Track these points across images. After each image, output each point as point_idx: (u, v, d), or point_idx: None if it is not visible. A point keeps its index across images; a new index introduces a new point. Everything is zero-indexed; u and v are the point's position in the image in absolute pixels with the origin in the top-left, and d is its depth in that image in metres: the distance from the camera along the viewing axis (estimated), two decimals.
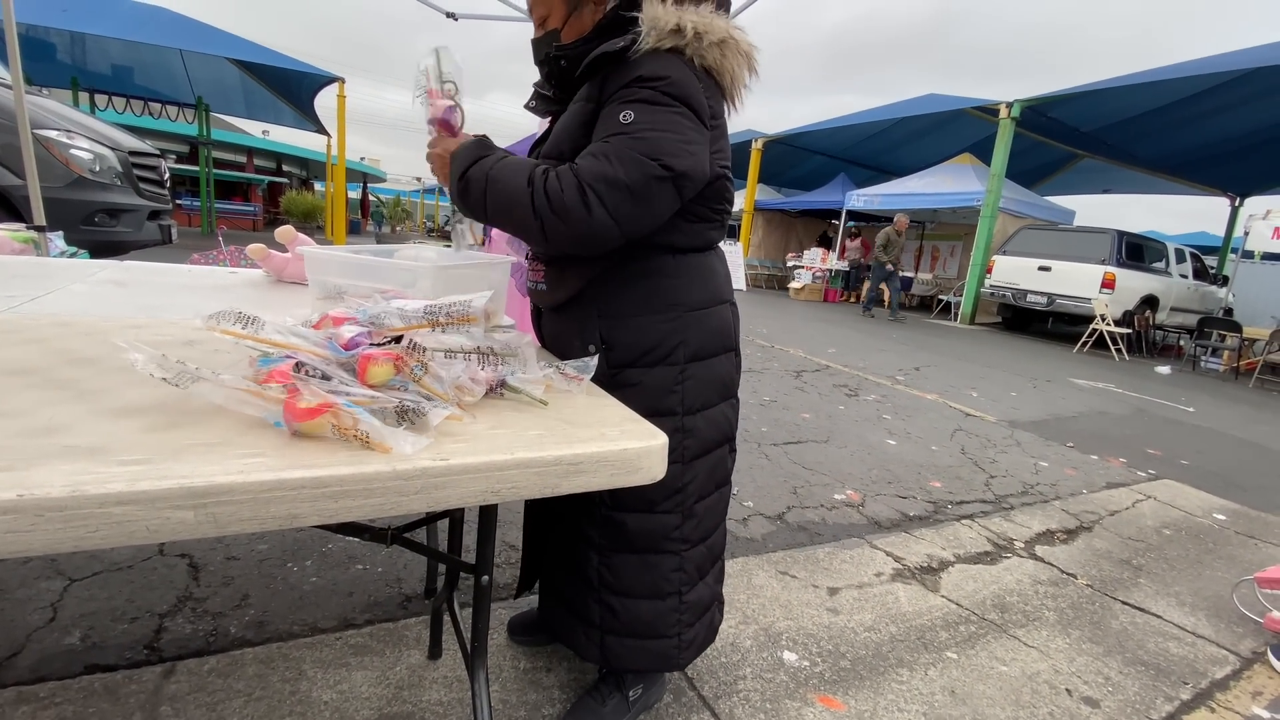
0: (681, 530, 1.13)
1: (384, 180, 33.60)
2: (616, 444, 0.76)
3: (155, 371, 0.71)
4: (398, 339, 0.84)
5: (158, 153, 4.92)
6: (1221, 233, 15.23)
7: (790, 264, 14.48)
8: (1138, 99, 9.78)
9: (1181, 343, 10.13)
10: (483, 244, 1.17)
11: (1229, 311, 9.89)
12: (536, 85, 1.18)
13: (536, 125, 1.87)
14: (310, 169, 27.80)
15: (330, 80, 10.29)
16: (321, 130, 14.52)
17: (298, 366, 0.77)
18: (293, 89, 12.09)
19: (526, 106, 1.23)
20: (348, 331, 0.84)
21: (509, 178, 0.92)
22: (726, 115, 1.07)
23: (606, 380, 1.05)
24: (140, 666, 1.31)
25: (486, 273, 1.27)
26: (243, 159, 22.20)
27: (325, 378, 0.77)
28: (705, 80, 0.99)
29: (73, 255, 3.00)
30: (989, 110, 10.37)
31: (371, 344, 0.83)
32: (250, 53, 9.59)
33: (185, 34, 9.29)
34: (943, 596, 2.00)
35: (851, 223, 14.10)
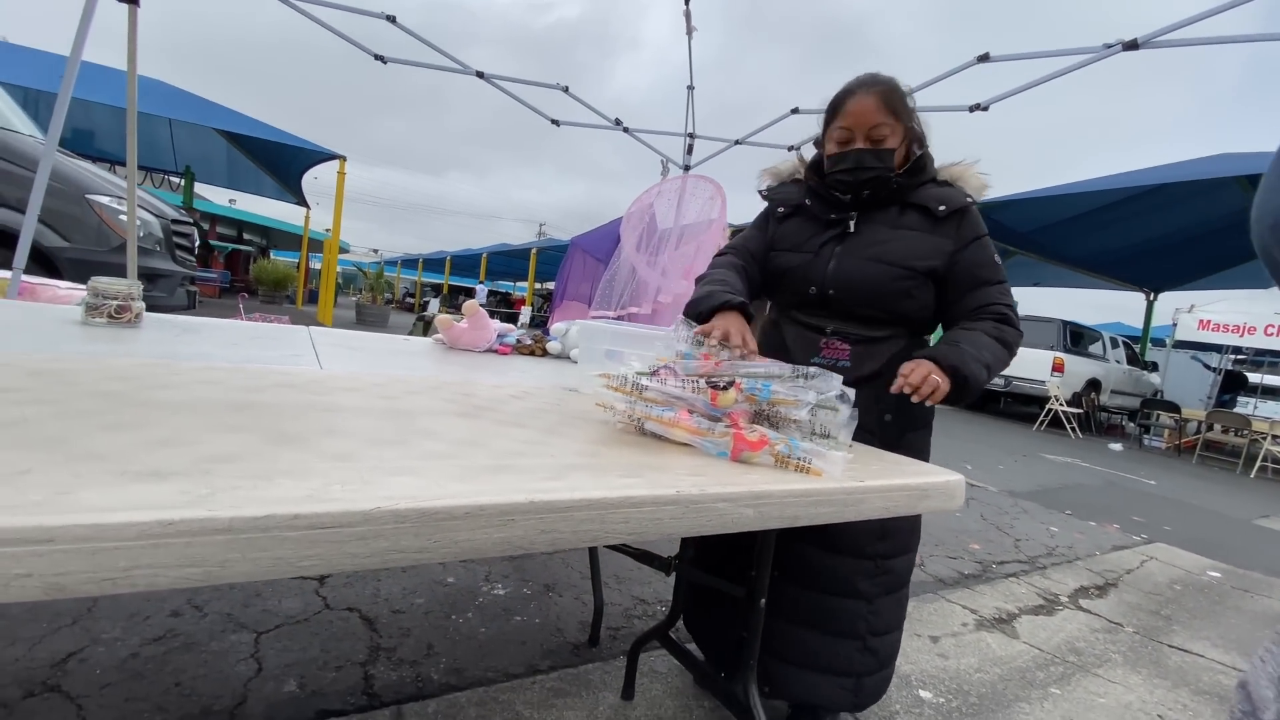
0: (913, 563, 1.34)
1: (348, 251, 33.64)
2: (943, 477, 0.99)
3: (624, 420, 0.92)
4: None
5: (192, 221, 5.01)
6: (1136, 323, 16.93)
7: None
8: (1062, 207, 11.17)
9: (1124, 423, 11.07)
10: None
11: (1160, 394, 10.96)
12: (817, 187, 1.35)
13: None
14: (271, 238, 27.58)
15: (329, 157, 10.61)
16: (303, 203, 14.69)
17: (690, 412, 0.98)
18: (283, 163, 12.33)
19: (765, 193, 1.45)
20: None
21: (996, 350, 1.19)
22: None
23: (895, 442, 1.27)
24: (367, 711, 1.38)
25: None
26: (205, 226, 21.90)
27: (713, 420, 0.98)
28: None
29: None
30: None
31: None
32: (248, 127, 9.85)
33: (185, 106, 9.51)
34: (1025, 643, 2.22)
35: None
